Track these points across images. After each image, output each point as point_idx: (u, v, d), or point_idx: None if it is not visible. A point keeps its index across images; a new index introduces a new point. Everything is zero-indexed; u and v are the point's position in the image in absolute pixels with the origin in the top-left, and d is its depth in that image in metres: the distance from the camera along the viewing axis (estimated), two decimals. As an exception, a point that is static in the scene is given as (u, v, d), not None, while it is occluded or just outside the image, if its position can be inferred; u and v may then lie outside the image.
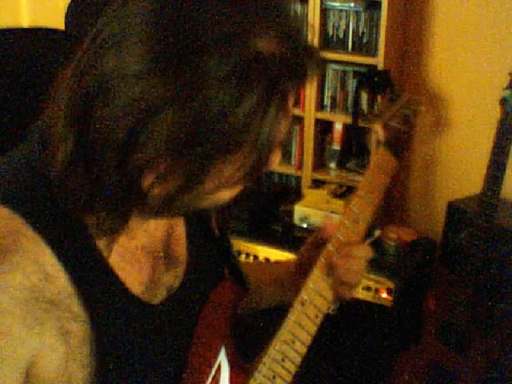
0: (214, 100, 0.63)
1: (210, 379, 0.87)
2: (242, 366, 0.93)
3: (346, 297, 0.97)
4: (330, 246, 0.95)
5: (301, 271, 0.99)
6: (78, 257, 0.71)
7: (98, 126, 0.65)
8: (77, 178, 0.68)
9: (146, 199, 0.70)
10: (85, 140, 0.66)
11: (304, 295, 0.92)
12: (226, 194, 0.74)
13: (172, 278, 0.84)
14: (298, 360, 0.92)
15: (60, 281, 0.69)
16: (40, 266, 0.68)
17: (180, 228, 0.89)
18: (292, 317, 0.91)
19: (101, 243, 0.74)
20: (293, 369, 0.91)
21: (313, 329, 0.92)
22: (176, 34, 0.63)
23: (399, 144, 1.07)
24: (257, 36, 0.64)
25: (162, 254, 0.84)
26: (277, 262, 1.23)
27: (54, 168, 0.68)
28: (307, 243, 1.02)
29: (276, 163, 0.76)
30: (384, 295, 2.26)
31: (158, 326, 0.81)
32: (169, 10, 0.64)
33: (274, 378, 0.90)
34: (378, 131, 1.06)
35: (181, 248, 0.88)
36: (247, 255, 2.47)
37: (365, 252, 0.95)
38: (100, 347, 0.72)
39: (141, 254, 0.80)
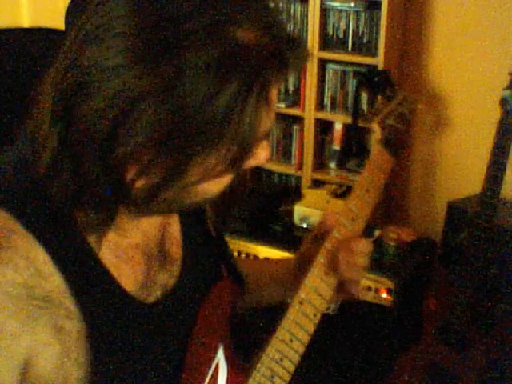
0: (194, 91, 0.63)
1: (207, 379, 0.87)
2: (240, 365, 0.93)
3: (353, 295, 0.96)
4: (328, 245, 0.95)
5: (301, 268, 0.99)
6: (70, 254, 0.71)
7: (80, 120, 0.65)
8: (63, 174, 0.68)
9: (130, 193, 0.70)
10: (69, 136, 0.67)
11: (302, 294, 0.92)
12: (212, 187, 0.74)
13: (167, 277, 0.84)
14: (297, 359, 0.91)
15: (52, 278, 0.69)
16: (32, 262, 0.68)
17: (174, 227, 0.89)
18: (290, 316, 0.91)
19: (91, 239, 0.74)
20: (291, 368, 0.91)
21: (311, 328, 0.92)
22: (155, 25, 0.63)
23: (396, 142, 1.07)
24: (236, 26, 0.64)
25: (156, 253, 0.83)
26: (277, 260, 1.22)
27: (41, 166, 0.69)
28: (307, 239, 1.02)
29: (263, 158, 0.76)
30: (384, 295, 2.26)
31: (154, 326, 0.81)
32: (148, 2, 0.64)
33: (272, 377, 0.90)
34: (374, 129, 1.07)
35: (175, 247, 0.87)
36: (247, 255, 2.46)
37: (365, 246, 0.94)
38: (94, 346, 0.72)
39: (134, 252, 0.80)
